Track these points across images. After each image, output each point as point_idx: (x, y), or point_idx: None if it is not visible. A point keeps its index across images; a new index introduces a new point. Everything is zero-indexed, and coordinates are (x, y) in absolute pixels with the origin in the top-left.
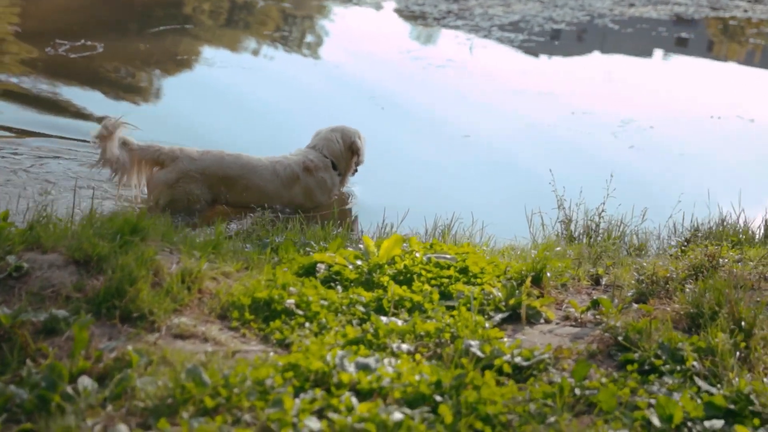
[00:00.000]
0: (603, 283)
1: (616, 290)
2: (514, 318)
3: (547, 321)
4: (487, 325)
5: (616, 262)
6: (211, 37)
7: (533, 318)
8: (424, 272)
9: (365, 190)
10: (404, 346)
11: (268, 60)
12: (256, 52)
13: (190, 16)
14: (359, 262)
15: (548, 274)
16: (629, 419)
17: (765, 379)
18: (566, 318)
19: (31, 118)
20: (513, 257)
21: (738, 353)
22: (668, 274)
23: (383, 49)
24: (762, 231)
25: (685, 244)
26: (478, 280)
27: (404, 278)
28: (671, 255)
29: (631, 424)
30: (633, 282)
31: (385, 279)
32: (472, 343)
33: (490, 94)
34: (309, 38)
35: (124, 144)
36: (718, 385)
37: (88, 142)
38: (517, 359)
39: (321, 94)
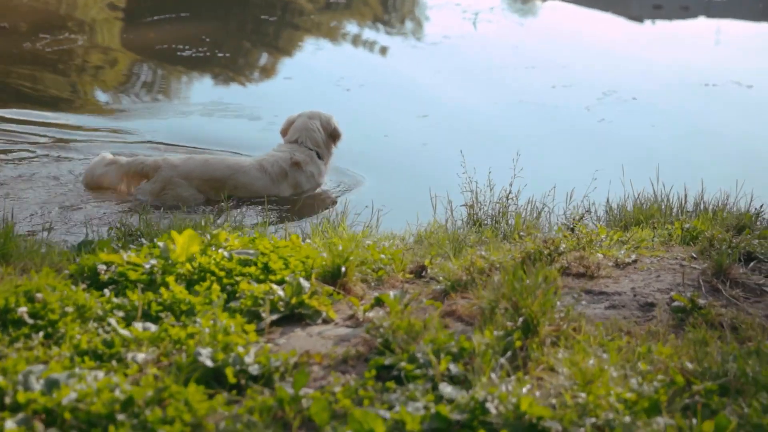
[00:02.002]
0: (426, 275)
1: (427, 284)
2: (293, 319)
3: (327, 321)
4: (245, 329)
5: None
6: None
7: (311, 318)
8: (218, 271)
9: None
10: (140, 357)
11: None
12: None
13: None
14: (153, 261)
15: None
16: None
17: (541, 382)
18: (351, 317)
19: None
20: (375, 248)
21: (510, 353)
22: (494, 264)
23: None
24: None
25: (570, 228)
26: (274, 277)
27: (198, 277)
28: (513, 240)
29: None
30: (458, 273)
31: (170, 280)
32: (202, 351)
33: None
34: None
35: (111, 162)
36: (469, 392)
37: None
38: (253, 368)
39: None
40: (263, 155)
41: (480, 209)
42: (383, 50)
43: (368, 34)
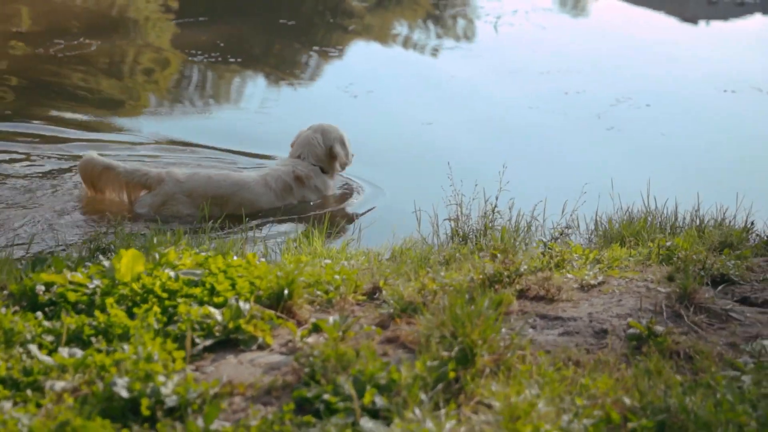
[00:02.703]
0: (379, 297)
1: (379, 307)
2: (229, 344)
3: (263, 348)
4: (174, 355)
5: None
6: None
7: (246, 344)
8: (160, 292)
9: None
10: (59, 385)
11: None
12: None
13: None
14: (97, 282)
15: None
16: None
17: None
18: (289, 344)
19: None
20: (332, 268)
21: (442, 385)
22: (447, 286)
23: None
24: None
25: (547, 246)
26: (218, 299)
27: (140, 299)
28: (479, 260)
29: None
30: (410, 296)
31: (109, 302)
32: (119, 380)
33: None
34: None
35: (108, 169)
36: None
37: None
38: (170, 399)
39: None
40: (266, 170)
41: (466, 223)
42: (396, 54)
43: (383, 39)
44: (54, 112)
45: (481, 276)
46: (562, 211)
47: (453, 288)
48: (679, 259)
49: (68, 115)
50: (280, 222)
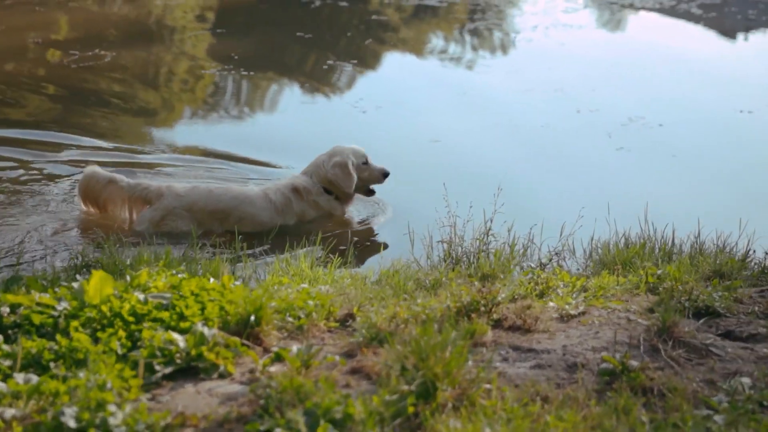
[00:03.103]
0: (352, 324)
1: (351, 335)
2: (190, 372)
3: (223, 376)
4: (130, 383)
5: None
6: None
7: (207, 373)
8: (127, 316)
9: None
10: (9, 413)
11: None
12: None
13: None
14: (65, 304)
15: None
16: None
17: None
18: (250, 372)
19: None
20: (307, 293)
21: (400, 420)
22: (419, 315)
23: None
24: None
25: (534, 272)
26: (185, 324)
27: (107, 322)
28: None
29: None
30: (381, 324)
31: (73, 325)
32: (67, 410)
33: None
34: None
35: (111, 182)
36: None
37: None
38: (119, 430)
39: None
40: (269, 184)
41: (460, 245)
42: (410, 70)
43: (394, 53)
44: (88, 120)
45: (457, 304)
46: (560, 234)
47: (426, 316)
48: (665, 289)
49: (104, 124)
50: (281, 240)
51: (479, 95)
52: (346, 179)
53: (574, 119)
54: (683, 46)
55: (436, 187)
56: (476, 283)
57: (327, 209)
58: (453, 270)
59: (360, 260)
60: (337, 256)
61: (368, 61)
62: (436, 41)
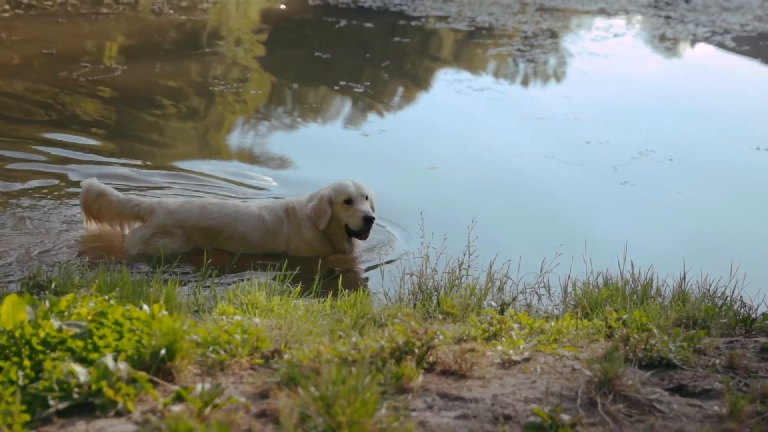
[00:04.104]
0: (277, 361)
1: (274, 373)
2: (88, 409)
3: (121, 414)
4: (16, 419)
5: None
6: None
7: (103, 410)
8: (35, 344)
9: None
10: None
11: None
12: None
13: None
14: None
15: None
16: None
17: None
18: (152, 411)
19: None
20: (240, 325)
21: None
22: (344, 355)
23: None
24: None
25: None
26: (93, 356)
27: (15, 351)
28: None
29: None
30: (304, 363)
31: None
32: None
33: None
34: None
35: (102, 195)
36: None
37: None
38: None
39: None
40: (266, 203)
41: (432, 278)
42: (423, 94)
43: (398, 78)
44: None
45: (392, 345)
46: (541, 270)
47: (352, 357)
48: (620, 336)
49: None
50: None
51: (487, 122)
52: (319, 214)
53: (582, 150)
54: (727, 80)
55: (433, 217)
56: (412, 323)
57: (307, 239)
58: (414, 306)
59: (331, 291)
60: (299, 286)
61: (386, 86)
62: (461, 66)
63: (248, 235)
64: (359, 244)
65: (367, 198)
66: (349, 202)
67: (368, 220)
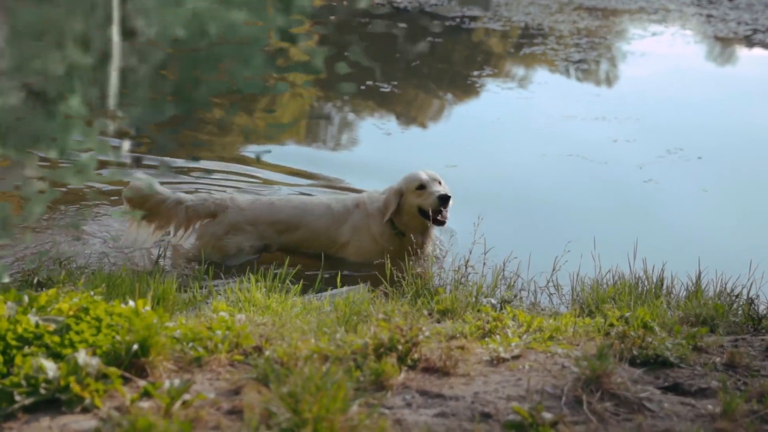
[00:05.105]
0: (258, 358)
1: (253, 370)
2: (55, 404)
3: (88, 410)
4: None
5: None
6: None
7: (69, 406)
8: (10, 339)
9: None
10: None
11: None
12: None
13: None
14: None
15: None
16: None
17: None
18: (119, 408)
19: None
20: (223, 321)
21: None
22: (324, 352)
23: None
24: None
25: (499, 308)
26: (67, 352)
27: None
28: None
29: None
30: (283, 360)
31: None
32: None
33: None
34: None
35: (179, 203)
36: None
37: None
38: None
39: None
40: (338, 196)
41: (438, 276)
42: (452, 93)
43: (435, 80)
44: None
45: (375, 342)
46: (553, 269)
47: (330, 354)
48: (616, 333)
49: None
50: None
51: (513, 121)
52: (387, 206)
53: (608, 148)
54: (758, 78)
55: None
56: (397, 319)
57: (375, 233)
58: (415, 304)
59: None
60: (301, 283)
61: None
62: (502, 69)
63: (313, 223)
64: (432, 239)
65: (440, 183)
66: (421, 187)
67: (444, 198)
